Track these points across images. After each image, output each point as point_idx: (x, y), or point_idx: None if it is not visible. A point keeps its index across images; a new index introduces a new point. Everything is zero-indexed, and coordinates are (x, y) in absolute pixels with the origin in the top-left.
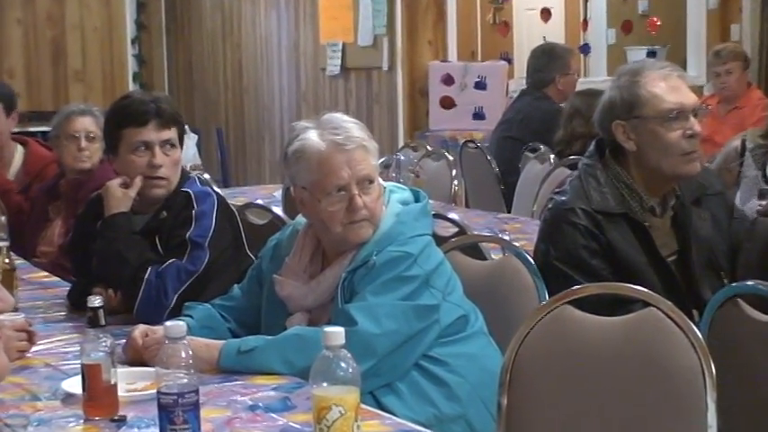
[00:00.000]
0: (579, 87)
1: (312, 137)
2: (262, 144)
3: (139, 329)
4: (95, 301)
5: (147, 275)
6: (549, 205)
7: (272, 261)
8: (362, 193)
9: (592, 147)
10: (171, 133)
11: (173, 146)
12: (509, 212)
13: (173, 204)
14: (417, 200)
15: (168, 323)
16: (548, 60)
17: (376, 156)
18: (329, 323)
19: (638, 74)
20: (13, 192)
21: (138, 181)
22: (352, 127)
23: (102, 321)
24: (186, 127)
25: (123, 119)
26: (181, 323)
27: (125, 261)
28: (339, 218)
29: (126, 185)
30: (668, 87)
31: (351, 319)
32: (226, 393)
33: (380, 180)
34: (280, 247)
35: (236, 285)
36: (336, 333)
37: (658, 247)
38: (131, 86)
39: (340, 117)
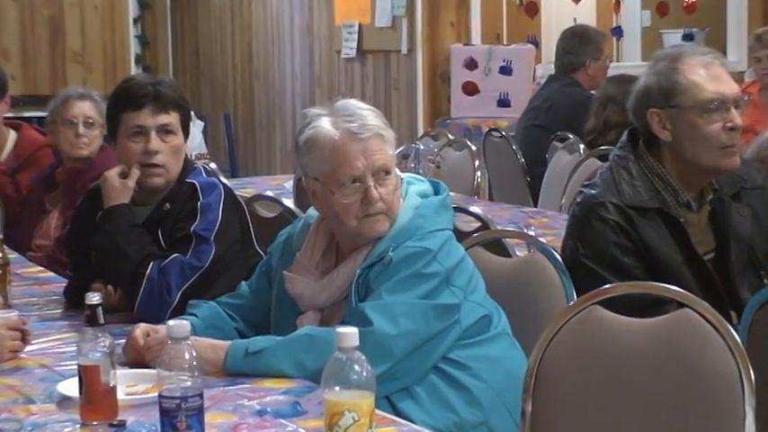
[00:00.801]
0: (611, 73)
1: (325, 125)
2: (272, 132)
3: (140, 328)
4: (94, 297)
5: (148, 271)
6: (578, 199)
7: (282, 256)
8: (378, 185)
9: (624, 137)
10: (169, 118)
11: (171, 132)
12: (535, 206)
13: (177, 196)
14: (437, 192)
15: (171, 322)
16: (578, 43)
17: (393, 145)
18: (342, 323)
19: (678, 60)
20: None
21: (135, 170)
22: (367, 114)
23: (101, 320)
24: (192, 113)
25: (121, 102)
26: (185, 322)
27: (125, 255)
28: (353, 211)
29: (125, 175)
30: (709, 76)
31: (366, 318)
32: (232, 397)
33: (398, 171)
34: (291, 242)
35: (243, 282)
36: (350, 334)
37: (694, 245)
38: (133, 69)
39: (355, 104)
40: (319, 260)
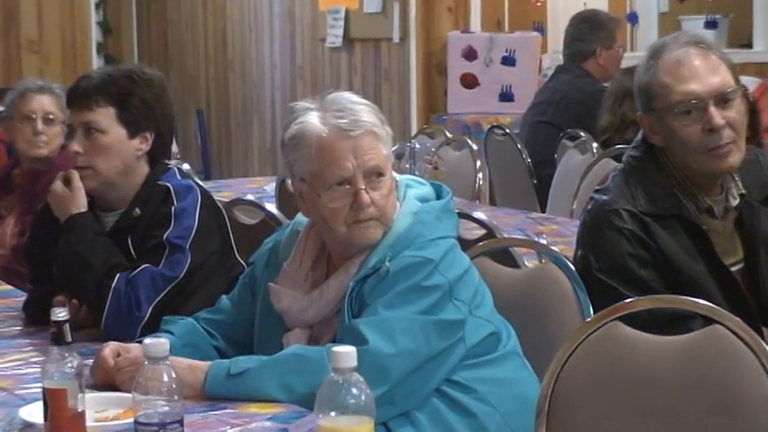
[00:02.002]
0: (625, 64)
1: (313, 120)
2: (249, 128)
3: (110, 347)
4: (60, 313)
5: (114, 283)
6: (589, 206)
7: (267, 267)
8: (370, 188)
9: (639, 136)
10: (93, 115)
11: (95, 129)
12: (543, 211)
13: (148, 200)
14: (439, 196)
15: (148, 340)
16: (589, 29)
17: (389, 144)
18: (333, 341)
19: (656, 56)
20: None
21: (73, 172)
22: (360, 109)
23: (69, 338)
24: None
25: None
26: (163, 340)
27: (89, 267)
28: (342, 216)
29: (69, 181)
30: (679, 74)
31: (360, 336)
32: (213, 424)
33: (394, 173)
34: (277, 251)
35: (224, 296)
36: (347, 353)
37: (720, 255)
38: (95, 59)
39: (347, 97)
40: (309, 271)
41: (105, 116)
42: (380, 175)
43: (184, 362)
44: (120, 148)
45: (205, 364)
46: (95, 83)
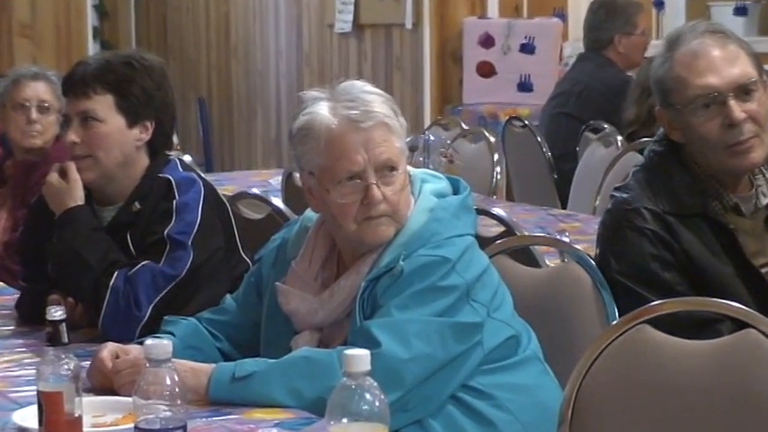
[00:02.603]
0: (652, 52)
1: (322, 110)
2: (253, 119)
3: (108, 349)
4: (56, 312)
5: (112, 281)
6: (609, 205)
7: (274, 265)
8: (382, 183)
9: (661, 130)
10: (91, 103)
11: (92, 118)
12: (564, 208)
13: (148, 193)
14: (457, 191)
15: (150, 341)
16: (605, 16)
17: (402, 136)
18: (344, 344)
19: (673, 47)
20: None
21: (70, 163)
22: (373, 99)
23: (65, 338)
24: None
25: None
26: (166, 342)
27: (85, 264)
28: (352, 213)
29: (65, 173)
30: (697, 66)
31: (372, 339)
32: (217, 430)
33: (409, 167)
34: (285, 249)
35: (228, 296)
36: (360, 357)
37: (749, 256)
38: (90, 45)
39: (360, 86)
40: (318, 271)
41: (103, 104)
42: (393, 169)
43: (187, 364)
44: (119, 137)
45: (209, 366)
46: (93, 69)
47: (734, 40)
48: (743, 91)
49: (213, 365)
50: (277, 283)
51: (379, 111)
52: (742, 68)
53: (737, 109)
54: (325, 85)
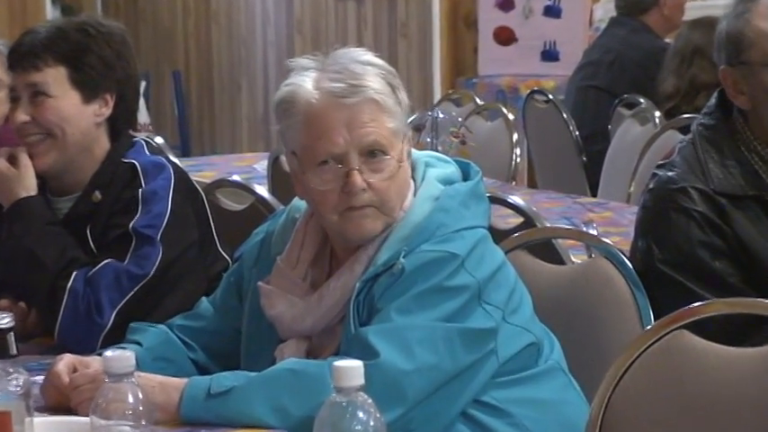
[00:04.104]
0: (691, 15)
1: (305, 82)
2: (237, 95)
3: (64, 361)
4: (3, 320)
5: (70, 283)
6: (651, 185)
7: (257, 263)
8: (368, 169)
9: (713, 100)
10: (39, 76)
11: (42, 93)
12: (594, 195)
13: (110, 181)
14: (467, 177)
15: (108, 352)
16: None
17: (399, 115)
18: (336, 354)
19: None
20: None
21: (21, 148)
22: (365, 71)
23: (13, 349)
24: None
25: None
26: (128, 353)
27: (39, 263)
28: (332, 201)
29: (15, 159)
30: None
31: (369, 348)
32: None
33: (410, 149)
34: (269, 244)
35: (204, 299)
36: (352, 369)
37: None
38: (49, 10)
39: (355, 56)
40: (308, 269)
41: (56, 77)
42: (382, 153)
43: (155, 378)
44: (76, 114)
45: (180, 381)
46: (42, 38)
47: None
48: None
49: (186, 380)
50: (260, 283)
51: (369, 85)
52: None
53: None
54: (319, 52)
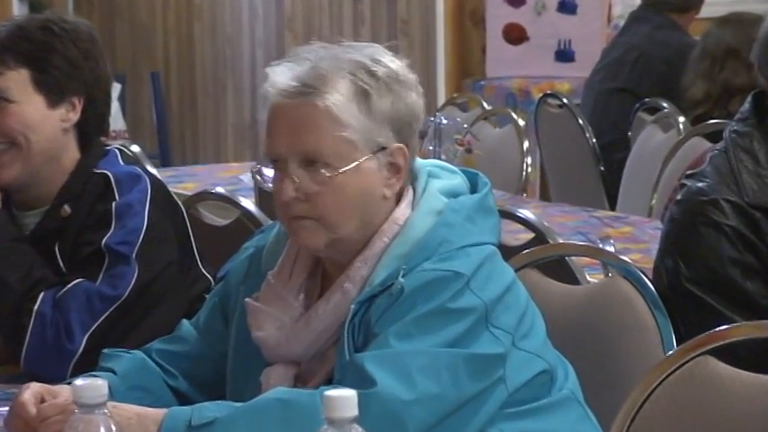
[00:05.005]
0: (716, 11)
1: (276, 73)
2: (222, 98)
3: (31, 390)
4: None
5: (37, 306)
6: (679, 196)
7: (246, 280)
8: (307, 178)
9: (746, 105)
10: (1, 81)
11: (3, 99)
12: (612, 209)
13: (81, 194)
14: (476, 189)
15: (79, 381)
16: None
17: (369, 125)
18: (329, 382)
19: None
20: None
21: None
22: (334, 70)
23: None
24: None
25: None
26: (100, 381)
27: (3, 284)
28: (278, 206)
29: None
30: None
31: (366, 376)
32: None
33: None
34: (258, 260)
35: (185, 321)
36: (345, 399)
37: None
38: (16, 6)
39: (339, 50)
40: (302, 285)
41: (17, 81)
42: (323, 164)
43: (131, 410)
44: (40, 120)
45: (159, 412)
46: (2, 38)
47: None
48: None
49: (164, 410)
50: (247, 299)
51: (321, 89)
52: None
53: None
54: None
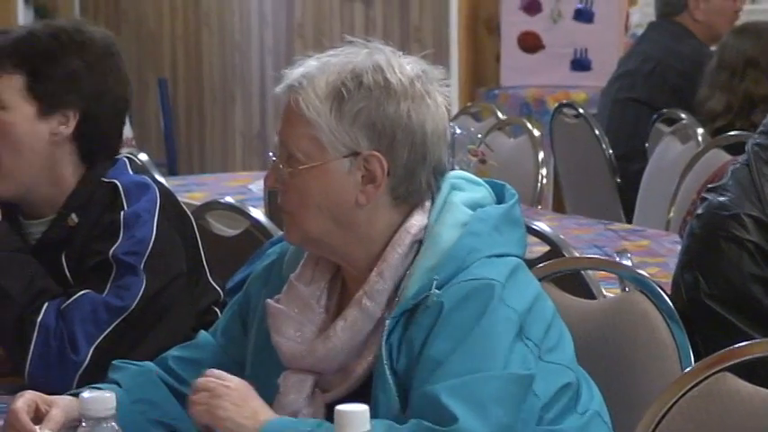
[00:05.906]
0: (742, 19)
1: (296, 66)
2: (230, 106)
3: (24, 399)
4: None
5: (41, 317)
6: (700, 210)
7: (267, 285)
8: (284, 168)
9: None
10: None
11: None
12: (629, 221)
13: (89, 202)
14: (502, 201)
15: (86, 393)
16: None
17: (335, 129)
18: (353, 394)
19: None
20: None
21: None
22: (317, 70)
23: None
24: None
25: None
26: (107, 394)
27: (5, 295)
28: None
29: None
30: None
31: (445, 411)
32: None
33: (373, 175)
34: (281, 266)
35: (203, 331)
36: (355, 413)
37: None
38: (21, 11)
39: (332, 54)
40: (324, 287)
41: (10, 86)
42: (295, 160)
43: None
44: (26, 129)
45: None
46: (9, 41)
47: None
48: None
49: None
50: (268, 300)
51: (296, 86)
52: None
53: None
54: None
